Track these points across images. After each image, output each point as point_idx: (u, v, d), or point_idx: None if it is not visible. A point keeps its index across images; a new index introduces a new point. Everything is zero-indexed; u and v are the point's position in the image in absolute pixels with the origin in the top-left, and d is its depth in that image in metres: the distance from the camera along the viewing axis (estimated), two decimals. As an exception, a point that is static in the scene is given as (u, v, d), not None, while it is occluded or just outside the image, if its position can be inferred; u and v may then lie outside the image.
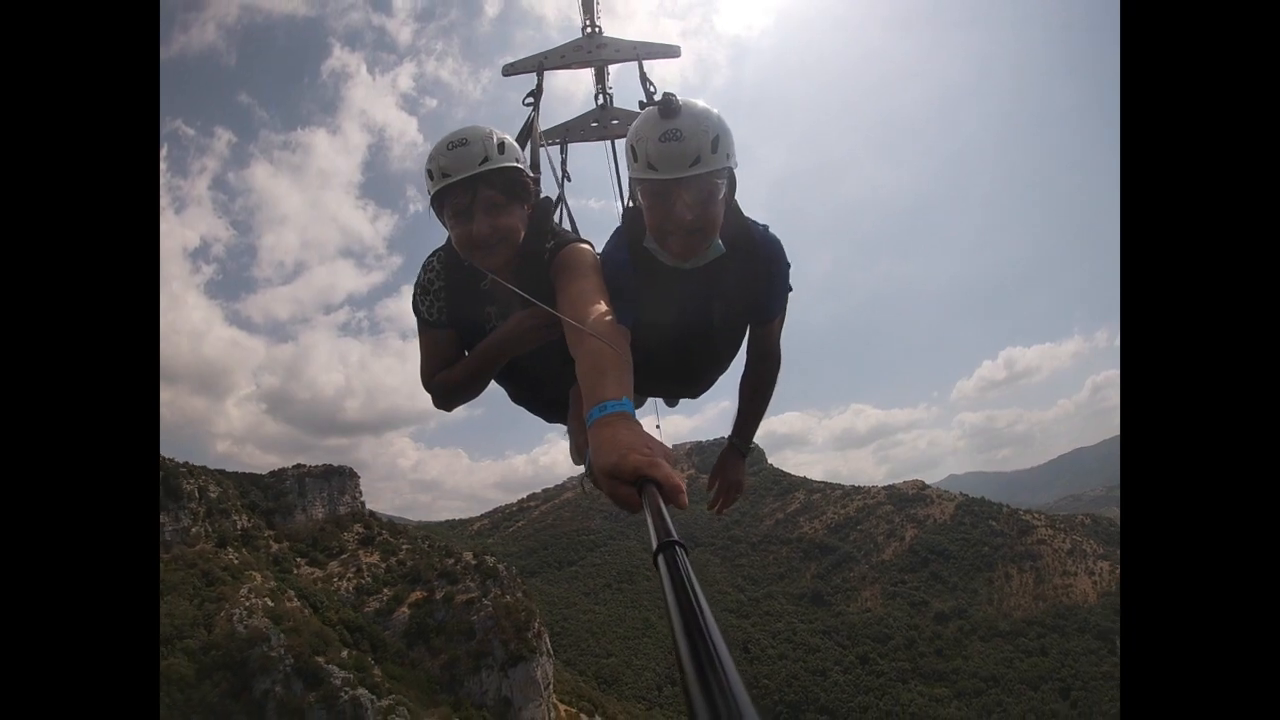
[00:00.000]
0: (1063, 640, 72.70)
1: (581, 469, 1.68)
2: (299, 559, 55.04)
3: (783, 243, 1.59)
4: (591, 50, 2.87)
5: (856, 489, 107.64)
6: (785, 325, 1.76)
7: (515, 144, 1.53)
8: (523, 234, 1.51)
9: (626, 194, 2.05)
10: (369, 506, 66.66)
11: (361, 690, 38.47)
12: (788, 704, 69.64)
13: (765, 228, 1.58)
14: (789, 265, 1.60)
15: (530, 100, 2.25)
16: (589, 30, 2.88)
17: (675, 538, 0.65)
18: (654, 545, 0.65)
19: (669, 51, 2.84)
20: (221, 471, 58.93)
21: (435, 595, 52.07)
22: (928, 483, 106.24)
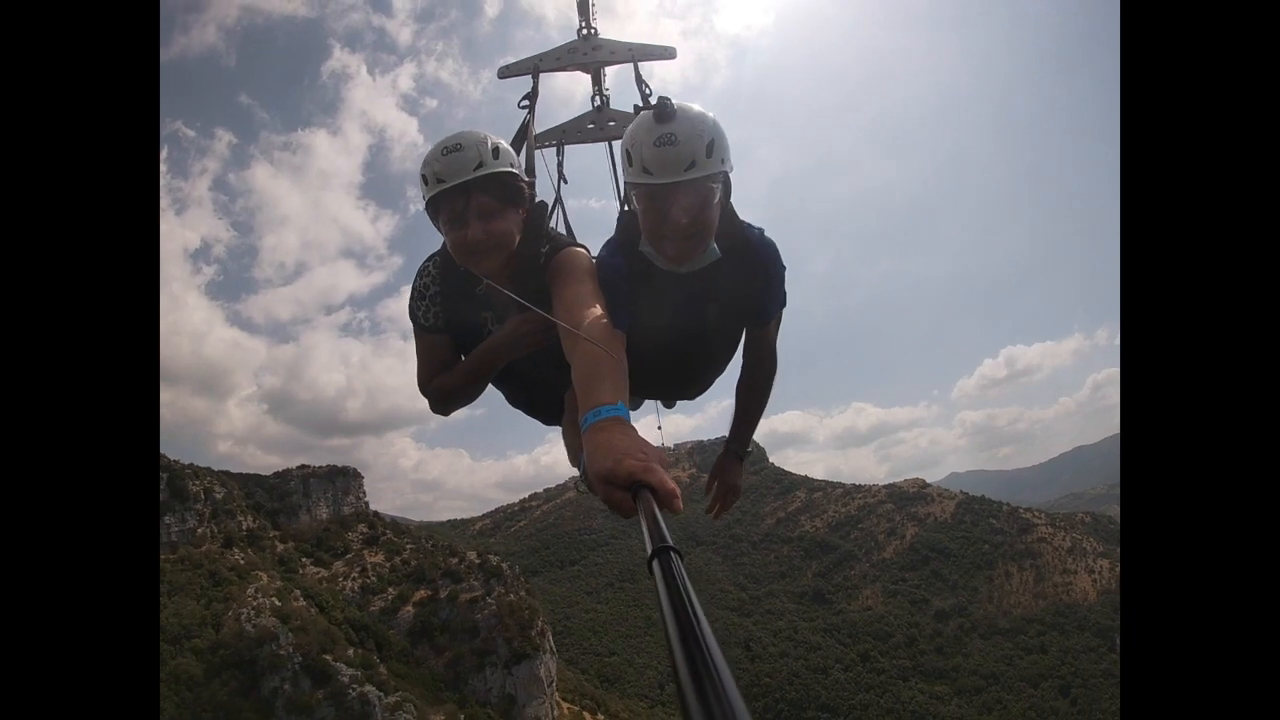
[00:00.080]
0: (1063, 638, 72.72)
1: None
2: (304, 559, 55.23)
3: (778, 245, 1.58)
4: (587, 52, 2.86)
5: (857, 487, 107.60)
6: (787, 323, 1.76)
7: (510, 149, 1.53)
8: (518, 239, 1.50)
9: (623, 197, 2.05)
10: (371, 507, 66.83)
11: (369, 687, 38.70)
12: (789, 701, 69.75)
13: (761, 231, 1.57)
14: (784, 268, 1.60)
15: (526, 103, 2.25)
16: (584, 32, 2.87)
17: (670, 543, 0.65)
18: (648, 550, 0.65)
19: (665, 53, 2.83)
20: (226, 473, 59.10)
21: (439, 594, 52.21)
22: (929, 481, 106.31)
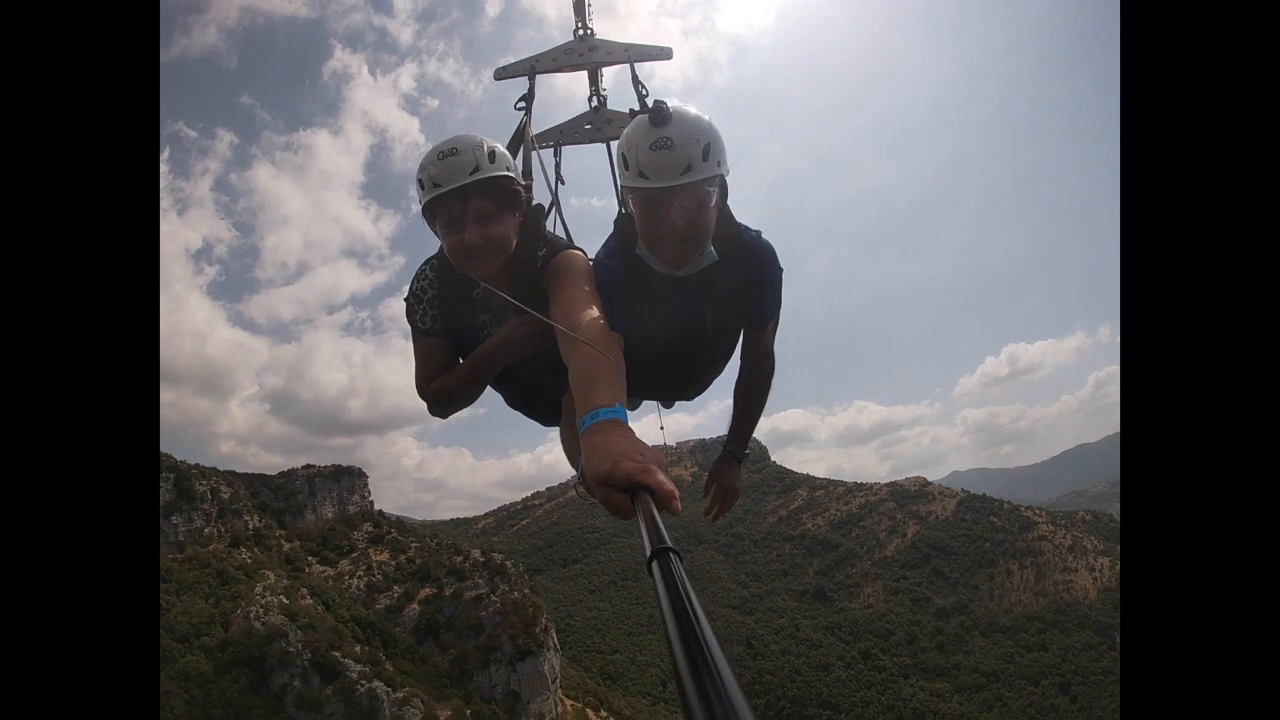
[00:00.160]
0: (1063, 636, 72.71)
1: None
2: (310, 558, 55.57)
3: (778, 246, 1.58)
4: (583, 53, 2.84)
5: (859, 486, 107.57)
6: (790, 321, 1.76)
7: (506, 152, 1.53)
8: (515, 242, 1.51)
9: (620, 200, 2.04)
10: (375, 506, 67.09)
11: (378, 683, 38.94)
12: (791, 699, 69.90)
13: (758, 233, 1.57)
14: (782, 270, 1.60)
15: (522, 104, 2.24)
16: (581, 33, 2.87)
17: (669, 544, 0.65)
18: (648, 552, 0.65)
19: (661, 54, 2.82)
20: (232, 473, 59.44)
21: (444, 592, 52.49)
22: (931, 479, 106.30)
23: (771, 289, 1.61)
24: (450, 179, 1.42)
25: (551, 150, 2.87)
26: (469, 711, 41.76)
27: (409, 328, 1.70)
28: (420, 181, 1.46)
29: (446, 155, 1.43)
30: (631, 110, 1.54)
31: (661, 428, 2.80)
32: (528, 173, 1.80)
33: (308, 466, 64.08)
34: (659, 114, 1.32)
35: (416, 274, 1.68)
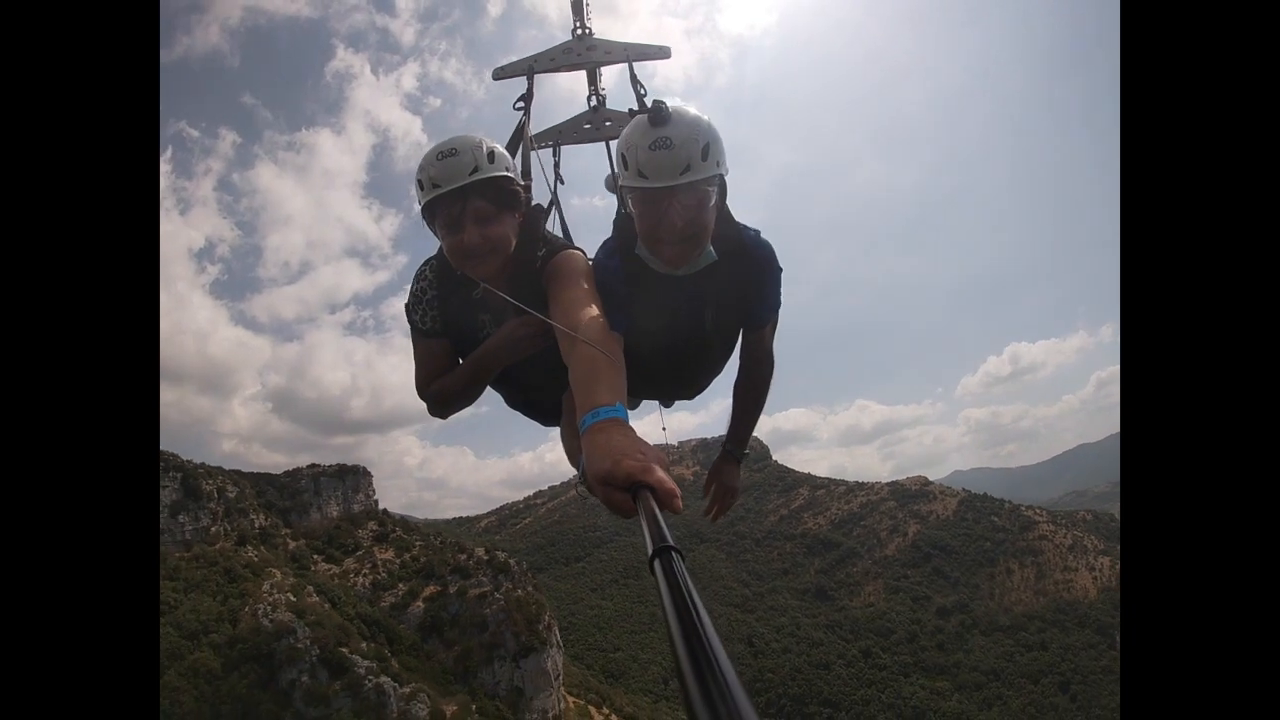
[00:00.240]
0: (1063, 635, 72.64)
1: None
2: (316, 556, 55.85)
3: (778, 245, 1.58)
4: (581, 53, 2.84)
5: (860, 485, 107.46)
6: (791, 320, 1.77)
7: (505, 153, 1.53)
8: (514, 242, 1.51)
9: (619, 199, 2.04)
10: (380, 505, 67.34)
11: (385, 679, 39.20)
12: (792, 697, 70.05)
13: (757, 233, 1.57)
14: (781, 270, 1.60)
15: (521, 104, 2.24)
16: (579, 32, 2.86)
17: (670, 543, 0.64)
18: (649, 551, 0.65)
19: (660, 53, 2.81)
20: (238, 472, 59.73)
21: (449, 590, 52.75)
22: (932, 479, 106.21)
23: (771, 288, 1.61)
24: (449, 179, 1.42)
25: (551, 150, 2.86)
26: (474, 707, 42.00)
27: (409, 328, 1.70)
28: (420, 182, 1.46)
29: (445, 156, 1.43)
30: (631, 110, 1.54)
31: (664, 428, 2.80)
32: (527, 173, 1.80)
33: (313, 466, 64.46)
34: (658, 114, 1.32)
35: (416, 274, 1.68)
